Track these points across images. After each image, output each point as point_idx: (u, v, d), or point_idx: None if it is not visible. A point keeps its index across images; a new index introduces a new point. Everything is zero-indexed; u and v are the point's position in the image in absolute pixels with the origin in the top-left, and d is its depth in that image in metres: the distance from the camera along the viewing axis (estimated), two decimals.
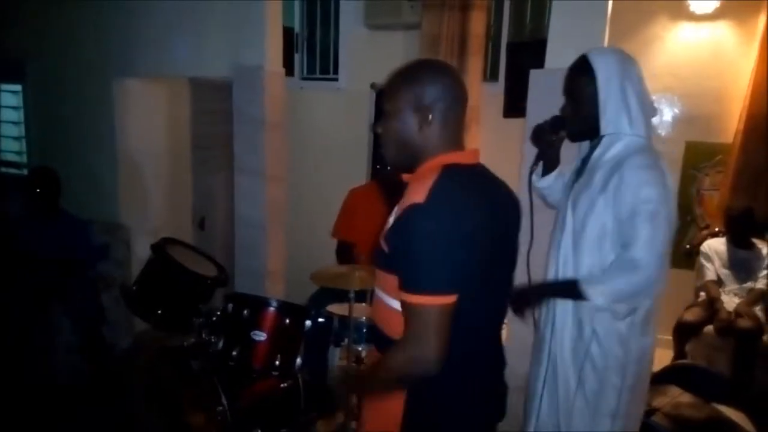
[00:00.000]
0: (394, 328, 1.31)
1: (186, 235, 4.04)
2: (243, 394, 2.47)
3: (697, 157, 4.04)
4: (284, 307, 2.35)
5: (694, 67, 3.95)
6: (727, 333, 3.41)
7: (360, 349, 2.55)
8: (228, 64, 3.50)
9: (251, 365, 2.30)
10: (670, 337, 3.63)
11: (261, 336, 2.28)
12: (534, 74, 2.66)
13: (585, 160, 1.87)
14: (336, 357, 3.06)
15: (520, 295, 1.89)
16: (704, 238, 3.83)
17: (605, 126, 1.75)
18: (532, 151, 2.49)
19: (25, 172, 4.46)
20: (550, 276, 1.91)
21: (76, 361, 3.37)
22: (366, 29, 4.42)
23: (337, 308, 2.68)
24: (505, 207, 1.43)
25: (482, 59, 4.18)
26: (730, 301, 3.56)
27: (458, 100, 1.36)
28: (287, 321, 2.31)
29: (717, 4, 3.81)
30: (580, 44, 2.40)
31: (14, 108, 4.55)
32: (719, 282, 3.66)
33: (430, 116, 1.32)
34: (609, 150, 1.76)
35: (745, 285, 3.60)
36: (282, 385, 2.59)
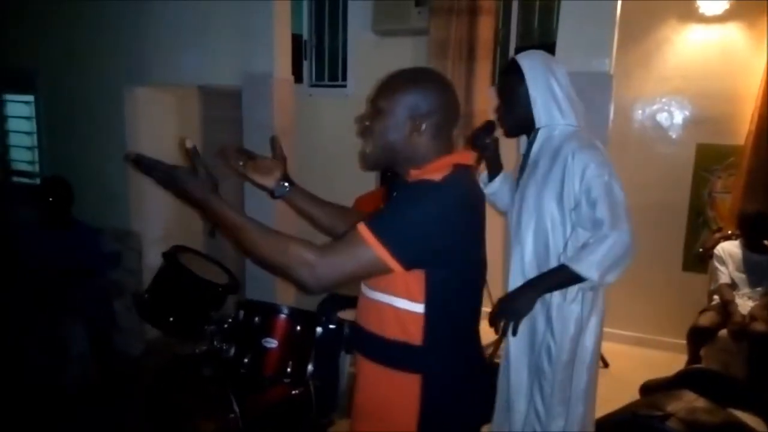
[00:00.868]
0: (411, 331, 1.30)
1: (197, 243, 4.05)
2: (254, 401, 2.47)
3: (709, 160, 4.00)
4: (295, 314, 2.34)
5: (705, 68, 3.92)
6: (742, 337, 3.37)
7: None
8: (237, 72, 3.52)
9: (262, 372, 2.29)
10: (684, 342, 3.60)
11: (272, 343, 2.27)
12: None
13: (526, 156, 1.99)
14: (347, 363, 3.06)
15: (508, 304, 1.87)
16: (717, 242, 3.80)
17: (538, 119, 1.90)
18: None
19: (37, 181, 4.50)
20: (515, 274, 1.97)
21: (87, 369, 3.38)
22: (374, 35, 4.43)
23: (347, 314, 2.67)
24: (484, 209, 1.47)
25: (490, 64, 4.18)
26: (744, 304, 3.52)
27: (453, 117, 1.40)
28: (298, 328, 2.31)
29: (727, 6, 3.79)
30: (589, 48, 2.40)
31: (27, 118, 4.59)
32: (733, 285, 3.63)
33: (423, 126, 1.33)
34: (546, 142, 1.90)
35: (759, 288, 3.57)
36: (293, 392, 2.59)
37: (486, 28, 4.06)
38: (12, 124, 4.74)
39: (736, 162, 3.92)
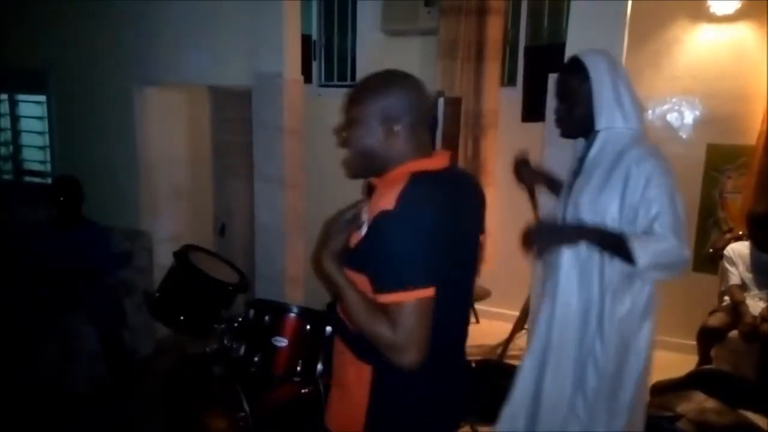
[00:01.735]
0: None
1: (206, 242, 4.08)
2: (264, 400, 2.48)
3: (719, 160, 3.98)
4: (305, 313, 2.36)
5: (715, 68, 3.90)
6: (753, 338, 3.35)
7: None
8: (247, 71, 3.53)
9: (272, 371, 2.31)
10: (694, 343, 3.59)
11: (282, 342, 2.29)
12: (553, 78, 2.65)
13: (582, 159, 1.91)
14: None
15: (551, 227, 1.85)
16: (727, 242, 3.77)
17: (599, 121, 1.81)
18: (552, 156, 2.51)
19: (49, 181, 4.54)
20: (568, 270, 1.88)
21: (98, 368, 3.41)
22: (383, 35, 4.44)
23: None
24: (473, 208, 1.48)
25: (500, 64, 4.19)
26: (754, 305, 3.50)
27: (424, 113, 1.40)
28: (308, 327, 2.32)
29: (738, 5, 3.77)
30: (599, 47, 2.39)
31: (38, 118, 4.63)
32: (743, 286, 3.60)
33: (396, 128, 1.34)
34: (606, 146, 1.82)
35: None
36: (303, 391, 2.60)
37: (495, 28, 4.06)
38: (24, 124, 4.77)
39: (746, 162, 3.89)
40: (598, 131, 1.83)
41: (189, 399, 2.65)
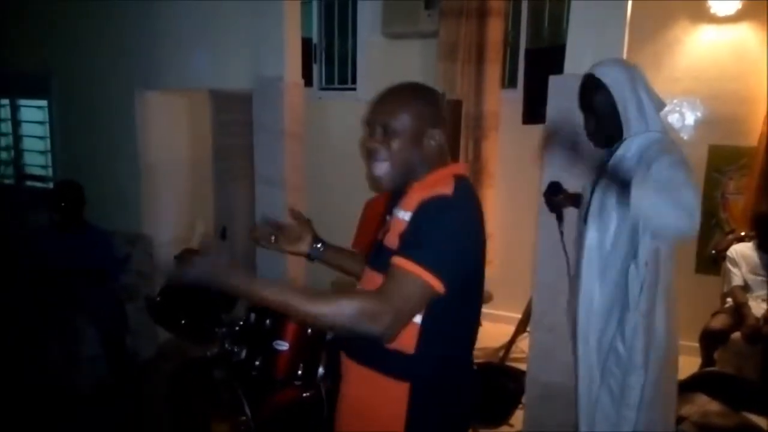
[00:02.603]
0: (405, 340, 1.29)
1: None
2: (266, 404, 2.48)
3: (721, 161, 3.98)
4: None
5: (716, 69, 3.90)
6: (756, 339, 3.34)
7: None
8: (248, 75, 3.54)
9: (274, 375, 2.30)
10: (697, 345, 3.57)
11: (283, 346, 2.28)
12: (553, 80, 2.65)
13: (604, 164, 1.94)
14: None
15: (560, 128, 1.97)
16: (730, 243, 3.76)
17: (627, 129, 1.88)
18: (552, 158, 2.50)
19: (50, 185, 4.54)
20: (590, 261, 1.95)
21: (100, 372, 3.41)
22: (383, 38, 4.44)
23: None
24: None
25: (500, 66, 4.18)
26: (757, 306, 3.49)
27: (447, 123, 1.44)
28: (309, 331, 2.32)
29: (739, 6, 3.76)
30: (599, 49, 2.39)
31: (40, 123, 4.64)
32: (746, 288, 3.59)
33: (434, 138, 1.37)
34: (629, 149, 1.88)
35: None
36: (304, 395, 2.59)
37: (495, 30, 4.06)
38: (25, 129, 4.78)
39: (748, 163, 3.88)
40: (624, 139, 1.90)
41: (190, 403, 2.64)
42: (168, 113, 4.23)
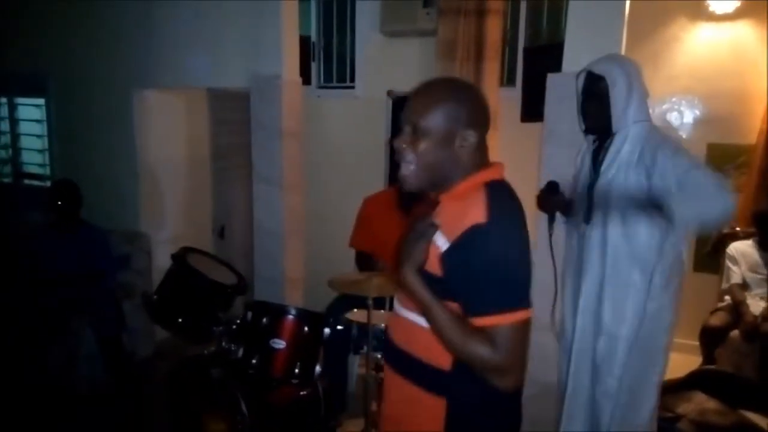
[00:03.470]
0: (442, 357, 1.26)
1: (205, 244, 4.07)
2: (263, 402, 2.48)
3: (720, 159, 3.97)
4: (303, 315, 2.35)
5: (715, 67, 3.89)
6: (754, 337, 3.34)
7: (379, 356, 2.54)
8: (245, 73, 3.53)
9: (271, 373, 2.30)
10: (695, 343, 3.57)
11: (280, 344, 2.28)
12: (551, 78, 2.65)
13: (596, 152, 2.15)
14: (355, 364, 3.06)
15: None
16: (725, 237, 3.77)
17: (623, 120, 2.04)
18: (550, 156, 2.51)
19: (48, 184, 4.53)
20: (592, 249, 2.13)
21: (97, 370, 3.40)
22: (382, 36, 4.43)
23: (355, 315, 2.67)
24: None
25: (499, 64, 4.16)
26: (756, 304, 3.49)
27: (487, 123, 1.33)
28: (306, 329, 2.32)
29: (737, 4, 3.76)
30: (597, 47, 2.39)
31: (38, 121, 4.63)
32: (745, 285, 3.59)
33: (468, 139, 1.27)
34: (627, 136, 2.05)
35: None
36: (302, 393, 2.60)
37: (494, 29, 4.05)
38: (23, 128, 4.78)
39: (747, 161, 3.88)
40: (618, 129, 2.06)
41: (188, 401, 2.64)
42: (166, 112, 4.22)
